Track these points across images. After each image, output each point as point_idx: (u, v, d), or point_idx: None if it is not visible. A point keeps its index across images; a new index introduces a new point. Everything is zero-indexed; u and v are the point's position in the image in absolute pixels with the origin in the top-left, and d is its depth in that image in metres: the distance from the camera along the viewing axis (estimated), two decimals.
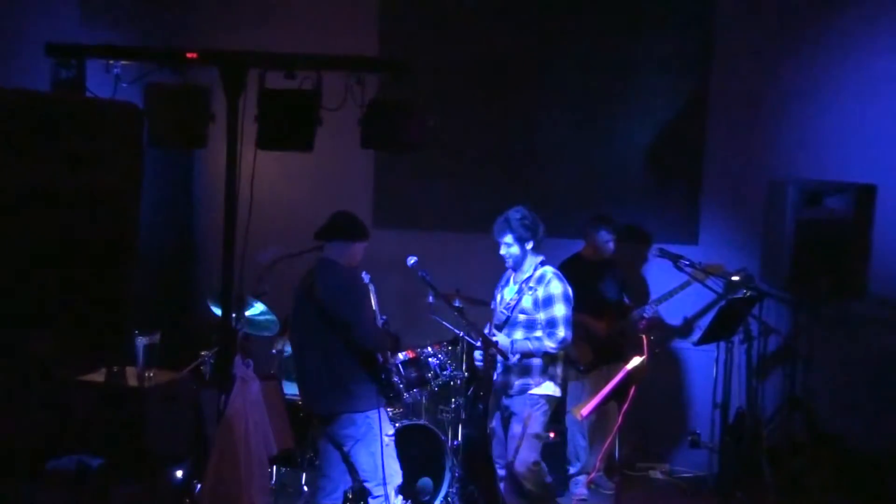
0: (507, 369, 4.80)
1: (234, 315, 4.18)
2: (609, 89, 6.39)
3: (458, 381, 5.33)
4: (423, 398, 5.39)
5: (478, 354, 4.86)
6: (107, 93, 3.62)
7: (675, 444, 6.34)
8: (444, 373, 5.25)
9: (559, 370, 4.85)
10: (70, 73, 3.71)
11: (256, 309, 5.27)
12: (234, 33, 6.63)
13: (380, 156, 6.51)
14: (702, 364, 6.23)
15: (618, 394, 4.08)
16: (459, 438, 5.32)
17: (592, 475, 5.56)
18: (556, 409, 5.05)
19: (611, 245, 5.90)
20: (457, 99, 6.53)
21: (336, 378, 4.37)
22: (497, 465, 5.01)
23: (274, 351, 5.47)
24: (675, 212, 6.35)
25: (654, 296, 6.11)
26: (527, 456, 4.72)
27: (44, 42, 3.75)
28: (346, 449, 4.43)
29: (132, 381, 4.71)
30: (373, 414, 4.40)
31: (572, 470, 5.85)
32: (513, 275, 4.90)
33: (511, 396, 4.80)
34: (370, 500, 4.47)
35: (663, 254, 6.00)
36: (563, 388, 5.00)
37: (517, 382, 4.77)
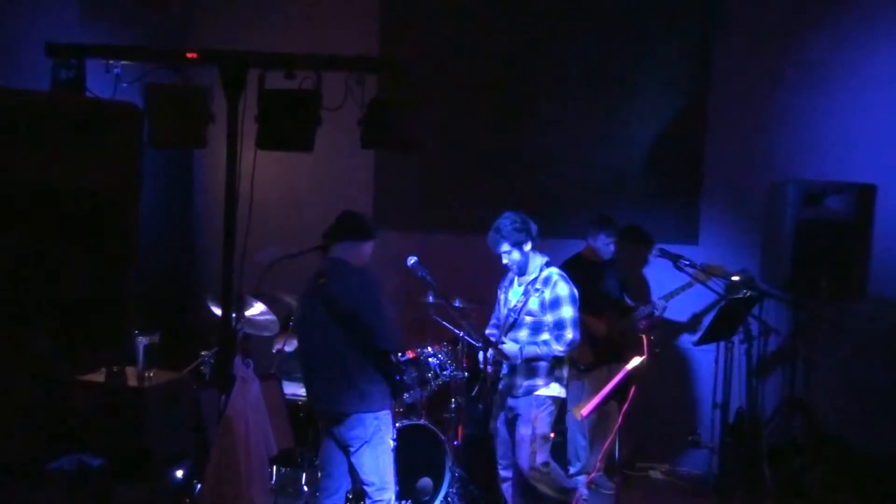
0: (512, 370, 4.80)
1: (234, 315, 4.17)
2: (610, 89, 6.39)
3: (459, 381, 5.33)
4: (423, 398, 5.38)
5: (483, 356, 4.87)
6: (107, 93, 3.60)
7: (675, 444, 6.33)
8: (444, 373, 5.26)
9: (565, 372, 4.86)
10: (70, 73, 3.70)
11: (256, 309, 5.27)
12: (234, 33, 6.65)
13: (380, 156, 6.52)
14: (702, 364, 6.24)
15: (618, 394, 4.08)
16: (460, 438, 5.32)
17: (592, 475, 5.56)
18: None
19: (611, 248, 5.91)
20: (457, 99, 6.53)
21: (348, 379, 4.31)
22: (500, 466, 5.01)
23: (274, 351, 5.47)
24: (675, 212, 6.35)
25: (654, 296, 6.11)
26: (536, 458, 4.72)
27: (44, 42, 3.74)
28: (352, 450, 4.40)
29: (132, 381, 4.73)
30: (382, 414, 4.38)
31: (572, 470, 5.85)
32: (517, 276, 4.91)
33: (517, 397, 4.79)
34: (367, 502, 4.45)
35: (664, 254, 6.01)
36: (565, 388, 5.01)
37: (524, 383, 4.76)
